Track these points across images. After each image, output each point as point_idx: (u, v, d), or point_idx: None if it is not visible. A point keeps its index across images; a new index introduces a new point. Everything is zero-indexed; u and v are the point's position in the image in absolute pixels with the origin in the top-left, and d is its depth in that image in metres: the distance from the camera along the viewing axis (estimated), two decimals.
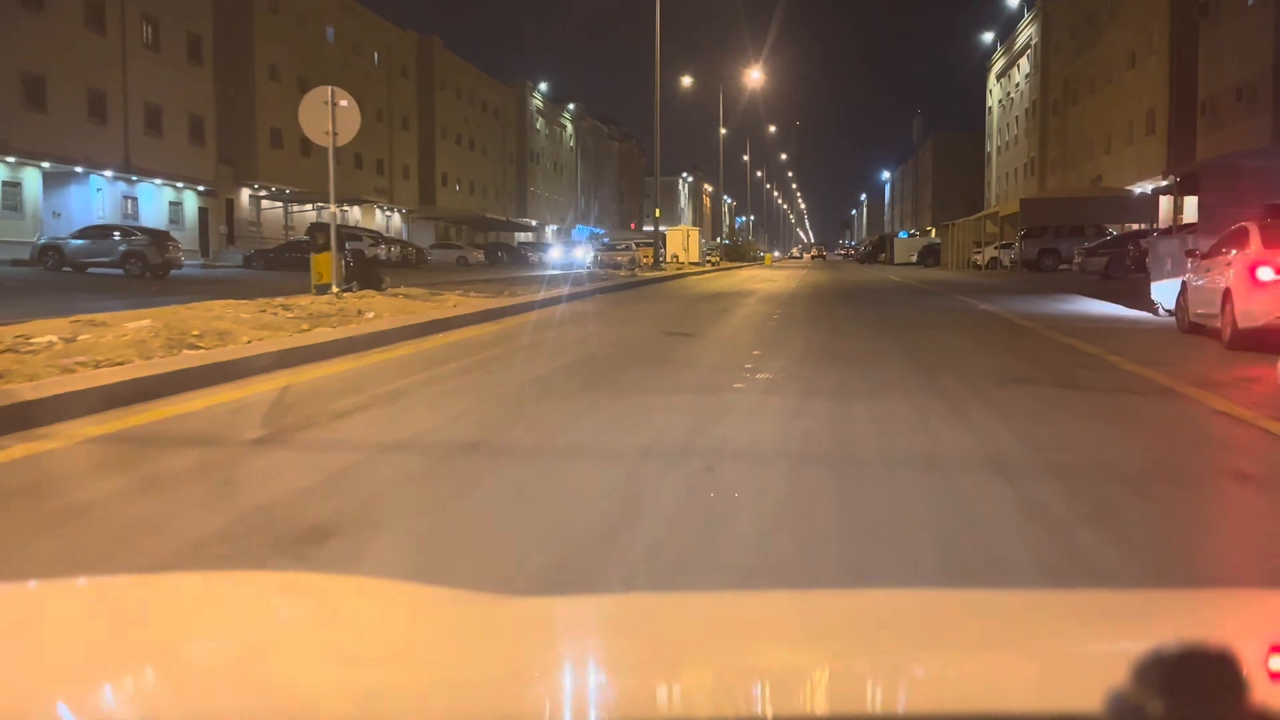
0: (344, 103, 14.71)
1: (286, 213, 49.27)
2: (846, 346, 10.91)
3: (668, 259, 49.59)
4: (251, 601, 1.27)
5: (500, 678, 0.95)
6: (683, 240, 50.34)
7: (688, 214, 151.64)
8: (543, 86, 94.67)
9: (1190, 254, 13.23)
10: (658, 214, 39.91)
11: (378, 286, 17.33)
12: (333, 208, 15.07)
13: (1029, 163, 66.67)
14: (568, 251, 44.91)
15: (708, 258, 54.18)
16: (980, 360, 9.66)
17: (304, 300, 13.79)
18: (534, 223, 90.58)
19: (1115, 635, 1.10)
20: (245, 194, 49.20)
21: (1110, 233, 38.71)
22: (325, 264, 17.74)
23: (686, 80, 65.79)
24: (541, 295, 18.51)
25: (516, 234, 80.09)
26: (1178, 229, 23.66)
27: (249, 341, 8.74)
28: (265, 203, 49.35)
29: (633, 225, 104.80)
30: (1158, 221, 37.81)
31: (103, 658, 1.01)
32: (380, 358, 9.13)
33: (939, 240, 60.23)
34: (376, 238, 47.05)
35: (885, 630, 1.13)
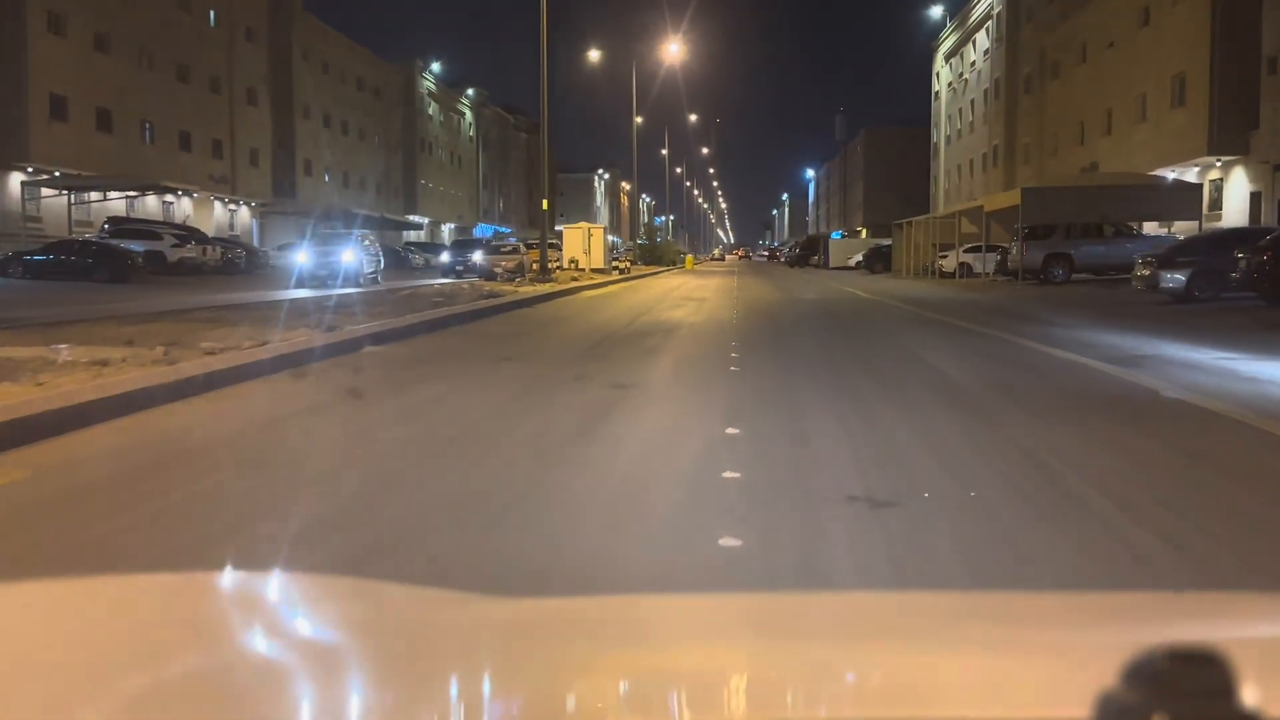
0: None
1: (73, 203, 38.11)
2: None
3: (565, 264, 39.44)
4: (290, 604, 1.22)
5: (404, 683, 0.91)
6: (582, 241, 39.99)
7: (604, 213, 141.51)
8: (435, 67, 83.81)
9: None
10: (545, 206, 29.90)
11: None
12: None
13: (990, 151, 57.99)
14: (325, 257, 29.48)
15: (615, 263, 43.96)
16: None
17: None
18: (425, 220, 79.73)
19: (1104, 637, 1.06)
20: (16, 179, 37.97)
21: (1135, 231, 29.85)
22: None
23: (594, 55, 55.79)
24: (233, 361, 8.50)
25: (405, 233, 69.33)
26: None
27: None
28: (45, 190, 38.14)
29: None
30: (1202, 217, 29.04)
31: (114, 660, 0.96)
32: None
33: (889, 242, 51.20)
34: (184, 236, 36.22)
35: (850, 632, 1.09)
